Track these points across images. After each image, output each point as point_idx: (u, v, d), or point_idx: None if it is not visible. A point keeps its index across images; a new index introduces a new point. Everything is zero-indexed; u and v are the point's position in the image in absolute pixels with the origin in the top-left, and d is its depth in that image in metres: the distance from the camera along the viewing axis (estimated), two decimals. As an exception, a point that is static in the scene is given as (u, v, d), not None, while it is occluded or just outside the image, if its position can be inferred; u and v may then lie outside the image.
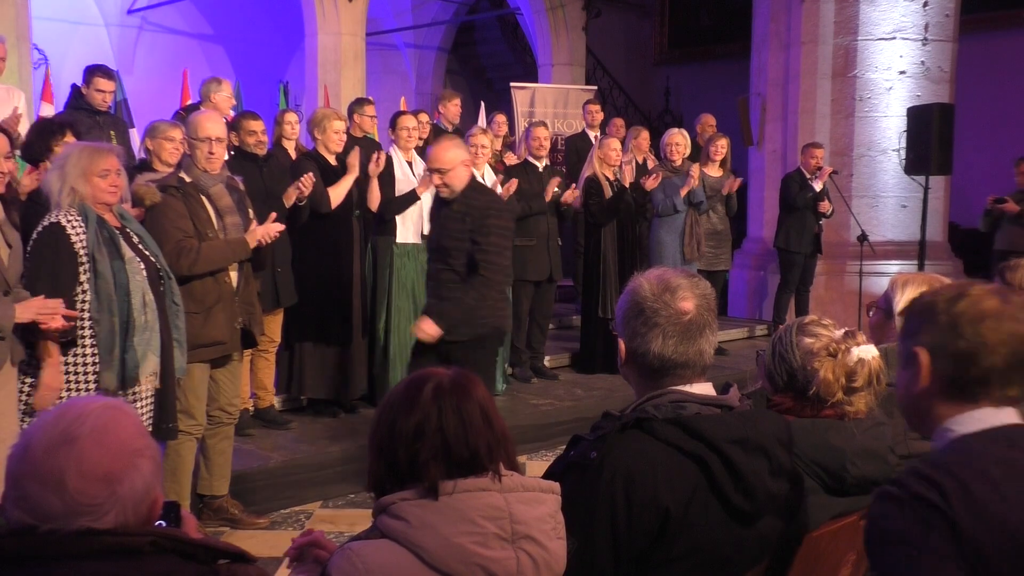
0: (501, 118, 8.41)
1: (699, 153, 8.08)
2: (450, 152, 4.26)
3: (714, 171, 7.83)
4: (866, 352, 2.27)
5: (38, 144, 4.37)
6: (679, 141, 7.58)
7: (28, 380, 3.43)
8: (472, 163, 6.38)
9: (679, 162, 7.53)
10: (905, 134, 8.48)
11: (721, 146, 7.88)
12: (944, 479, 1.40)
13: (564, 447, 1.99)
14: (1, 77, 5.80)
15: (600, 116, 8.97)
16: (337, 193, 5.60)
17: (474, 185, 4.37)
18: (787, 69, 9.44)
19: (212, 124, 4.20)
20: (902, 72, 9.03)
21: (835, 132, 9.21)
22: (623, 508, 1.75)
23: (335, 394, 5.89)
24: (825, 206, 8.20)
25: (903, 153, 8.57)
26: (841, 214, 8.90)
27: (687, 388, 1.91)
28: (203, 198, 4.15)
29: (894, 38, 8.99)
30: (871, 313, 3.12)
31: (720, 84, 12.70)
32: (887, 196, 9.18)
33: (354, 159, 5.63)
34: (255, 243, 4.17)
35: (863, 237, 8.30)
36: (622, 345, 1.95)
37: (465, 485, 1.63)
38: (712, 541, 1.79)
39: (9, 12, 7.14)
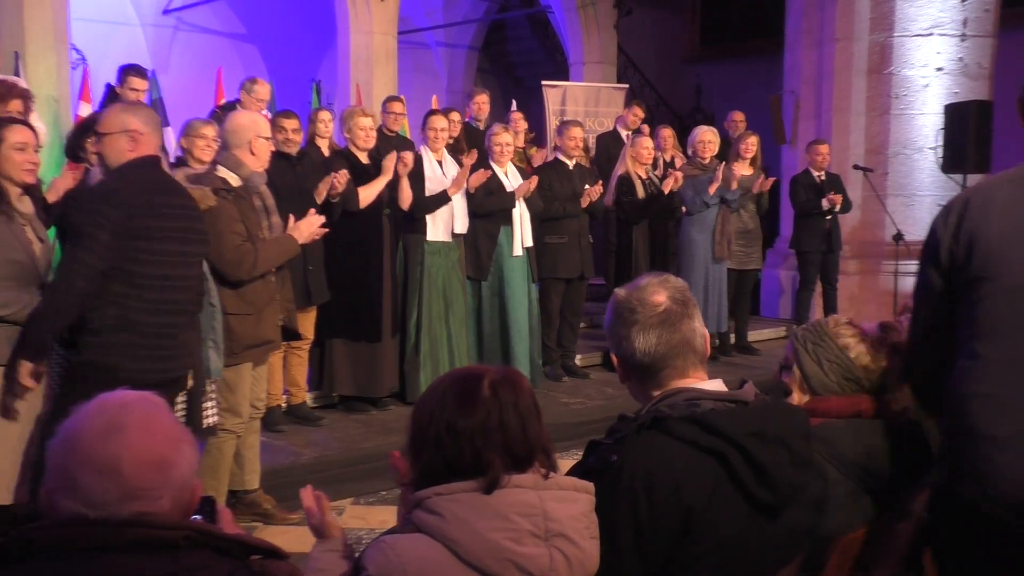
0: (518, 115, 8.38)
1: (729, 150, 8.03)
2: (118, 116, 3.37)
3: (744, 169, 7.77)
4: None
5: (72, 142, 4.45)
6: (709, 139, 7.54)
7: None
8: (496, 161, 6.44)
9: (708, 160, 7.49)
10: (942, 132, 8.37)
11: (751, 143, 7.82)
12: (971, 193, 2.05)
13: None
14: (40, 78, 5.90)
15: (639, 121, 8.74)
16: (368, 193, 5.63)
17: (125, 169, 3.31)
18: (821, 66, 9.35)
19: (265, 122, 4.38)
20: (939, 69, 8.91)
21: (870, 130, 9.11)
22: (645, 509, 1.75)
23: (366, 391, 5.92)
24: (831, 199, 8.02)
25: (940, 151, 8.46)
26: (876, 213, 8.79)
27: (700, 385, 1.91)
28: (253, 199, 4.19)
29: (931, 34, 8.88)
30: (903, 317, 3.08)
31: (752, 81, 12.60)
32: (923, 195, 9.06)
33: (389, 162, 5.67)
34: (303, 240, 4.22)
35: (898, 236, 8.20)
36: (614, 359, 1.99)
37: (517, 480, 1.64)
38: (737, 536, 1.78)
39: (47, 14, 7.24)
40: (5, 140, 3.28)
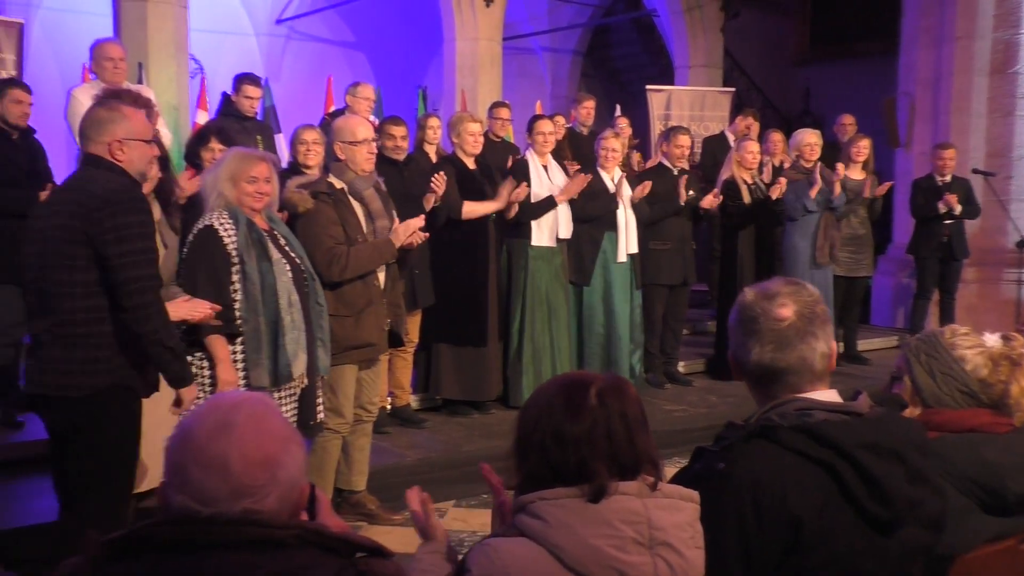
0: (624, 121, 8.31)
1: (838, 154, 7.81)
2: None
3: (856, 173, 7.55)
4: None
5: (190, 149, 4.61)
6: (813, 141, 7.35)
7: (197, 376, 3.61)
8: (603, 166, 6.43)
9: (812, 164, 7.29)
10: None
11: (863, 147, 7.59)
12: None
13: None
14: (162, 87, 6.13)
15: (748, 131, 8.52)
16: (472, 209, 5.67)
17: None
18: (939, 66, 9.01)
19: (365, 126, 4.38)
20: (1070, 67, 8.49)
21: (991, 132, 8.73)
22: (752, 519, 1.72)
23: (471, 395, 5.96)
24: (947, 201, 7.72)
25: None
26: (997, 218, 8.43)
27: (811, 395, 1.85)
28: (354, 203, 4.28)
29: (1061, 30, 8.47)
30: None
31: (862, 84, 12.24)
32: (1051, 200, 8.65)
33: (505, 192, 5.71)
34: (400, 244, 4.27)
35: (1023, 243, 7.84)
36: (730, 356, 1.95)
37: (623, 488, 1.63)
38: (850, 552, 1.73)
39: (169, 25, 7.54)
40: None
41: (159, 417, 3.40)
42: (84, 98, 5.36)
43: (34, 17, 11.30)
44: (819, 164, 7.21)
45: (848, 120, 8.59)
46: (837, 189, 7.13)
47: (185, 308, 3.38)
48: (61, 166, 5.42)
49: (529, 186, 6.00)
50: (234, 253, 3.54)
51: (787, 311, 1.85)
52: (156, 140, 3.66)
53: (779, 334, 1.84)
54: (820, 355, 1.86)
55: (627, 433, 1.65)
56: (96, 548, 1.34)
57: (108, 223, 2.95)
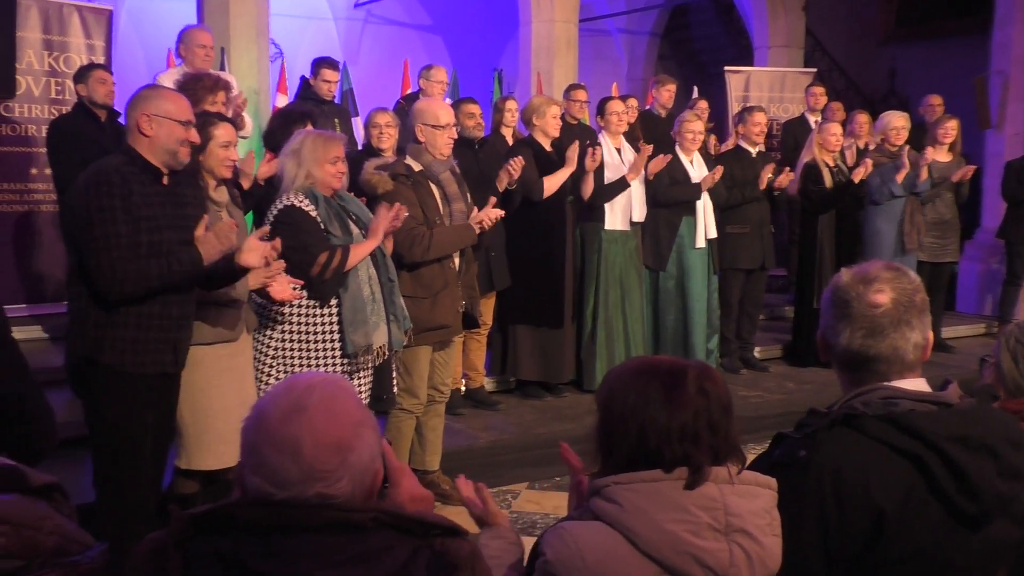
0: (703, 104, 8.20)
1: (924, 136, 7.58)
2: None
3: (942, 155, 7.31)
4: None
5: (281, 133, 4.66)
6: (902, 125, 7.13)
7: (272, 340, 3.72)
8: (683, 148, 6.35)
9: (899, 148, 7.08)
10: None
11: (950, 128, 7.34)
12: None
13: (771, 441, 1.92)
14: (243, 71, 6.23)
15: (824, 100, 8.61)
16: (551, 183, 5.66)
17: None
18: (1036, 44, 8.68)
19: (448, 111, 4.41)
20: None
21: (1090, 112, 8.38)
22: (834, 508, 1.68)
23: (546, 375, 5.97)
24: None
25: None
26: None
27: (899, 384, 1.79)
28: (432, 185, 4.31)
29: None
30: None
31: (951, 63, 11.83)
32: None
33: (573, 153, 5.67)
34: (478, 228, 4.31)
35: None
36: (819, 336, 1.88)
37: (714, 475, 1.61)
38: (935, 546, 1.68)
39: (251, 10, 7.66)
40: (214, 137, 3.49)
41: (214, 400, 3.52)
42: (168, 84, 5.47)
43: (122, 4, 11.60)
44: (907, 148, 7.01)
45: (935, 100, 8.32)
46: (924, 174, 6.92)
47: (262, 272, 3.37)
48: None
49: (602, 166, 5.96)
50: (322, 225, 3.66)
51: (883, 297, 1.78)
52: (233, 122, 3.73)
53: (872, 320, 1.77)
54: (914, 345, 1.78)
55: (726, 422, 1.64)
56: (180, 524, 1.37)
57: (78, 217, 3.07)
